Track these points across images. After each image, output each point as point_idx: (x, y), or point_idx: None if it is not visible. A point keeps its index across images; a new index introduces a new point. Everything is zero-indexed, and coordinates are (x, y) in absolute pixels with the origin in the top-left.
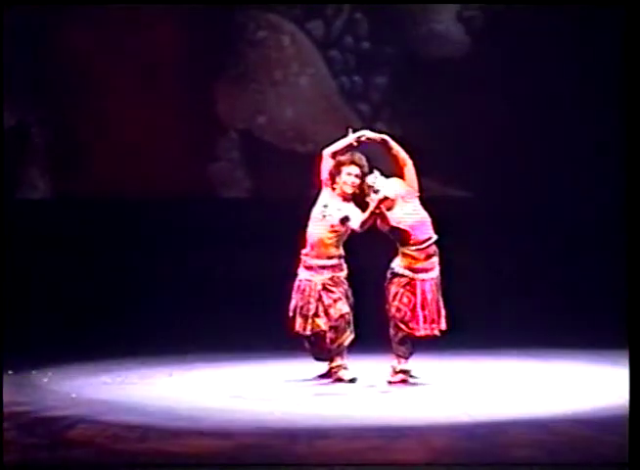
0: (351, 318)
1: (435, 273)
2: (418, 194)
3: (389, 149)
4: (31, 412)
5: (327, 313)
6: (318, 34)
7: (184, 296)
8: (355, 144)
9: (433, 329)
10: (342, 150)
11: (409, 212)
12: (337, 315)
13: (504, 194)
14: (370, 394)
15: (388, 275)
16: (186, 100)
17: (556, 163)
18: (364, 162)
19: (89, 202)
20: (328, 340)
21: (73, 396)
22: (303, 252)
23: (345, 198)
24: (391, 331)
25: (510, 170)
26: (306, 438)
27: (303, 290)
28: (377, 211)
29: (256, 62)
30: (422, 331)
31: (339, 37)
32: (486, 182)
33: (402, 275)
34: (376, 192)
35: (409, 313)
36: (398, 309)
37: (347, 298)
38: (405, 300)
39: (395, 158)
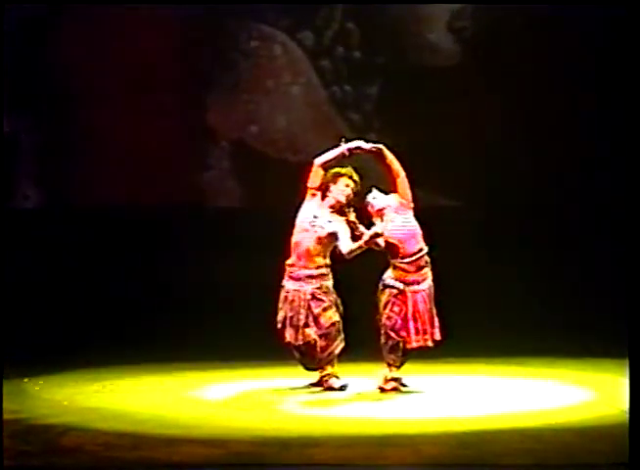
0: (341, 326)
1: (427, 284)
2: (411, 206)
3: (384, 159)
4: (23, 420)
5: (317, 322)
6: (309, 44)
7: (175, 304)
8: (347, 154)
9: (425, 340)
10: (333, 159)
11: (399, 225)
12: (327, 324)
13: (492, 203)
14: (361, 402)
15: (380, 286)
16: (177, 109)
17: (545, 171)
18: (359, 180)
19: (81, 211)
20: (319, 349)
21: (65, 403)
22: (289, 262)
23: (334, 209)
24: (382, 339)
25: (498, 180)
26: (298, 446)
27: (292, 301)
28: (366, 246)
29: (248, 71)
30: (414, 343)
31: (330, 47)
32: (475, 192)
33: (393, 286)
34: (376, 212)
35: (399, 322)
36: (389, 318)
37: (337, 306)
38: (396, 308)
39: (389, 168)
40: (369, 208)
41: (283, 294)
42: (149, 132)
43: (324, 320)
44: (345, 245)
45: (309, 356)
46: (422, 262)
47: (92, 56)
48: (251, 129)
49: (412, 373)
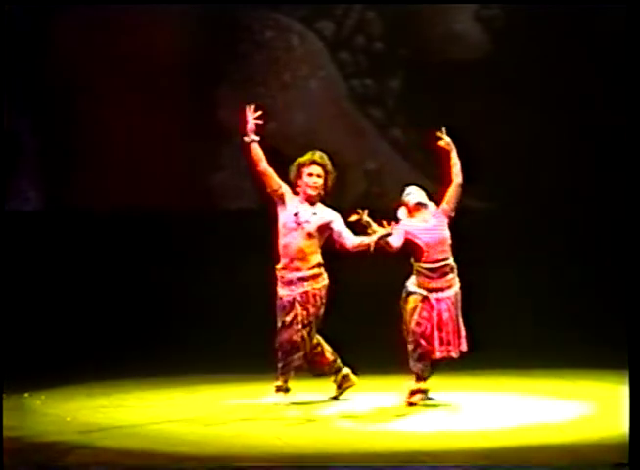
0: (305, 345)
1: (452, 291)
2: (451, 215)
3: (450, 158)
4: (24, 437)
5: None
6: (328, 34)
7: (184, 313)
8: None
9: (449, 351)
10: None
11: (429, 228)
12: (287, 337)
13: (526, 203)
14: (382, 415)
15: (403, 294)
16: (188, 106)
17: (581, 167)
18: (326, 159)
19: (83, 214)
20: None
21: (68, 419)
22: (279, 267)
23: (312, 200)
24: (409, 347)
25: (532, 178)
26: (313, 463)
27: (284, 307)
28: (375, 245)
29: (263, 64)
30: (438, 354)
31: (350, 37)
32: (508, 192)
33: (415, 293)
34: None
35: (429, 328)
36: (418, 324)
37: (309, 323)
38: (425, 314)
39: (449, 169)
40: (404, 203)
41: (278, 302)
42: (156, 131)
43: (295, 330)
44: (349, 239)
45: (284, 359)
46: (446, 269)
47: (97, 52)
48: (268, 126)
49: (438, 384)
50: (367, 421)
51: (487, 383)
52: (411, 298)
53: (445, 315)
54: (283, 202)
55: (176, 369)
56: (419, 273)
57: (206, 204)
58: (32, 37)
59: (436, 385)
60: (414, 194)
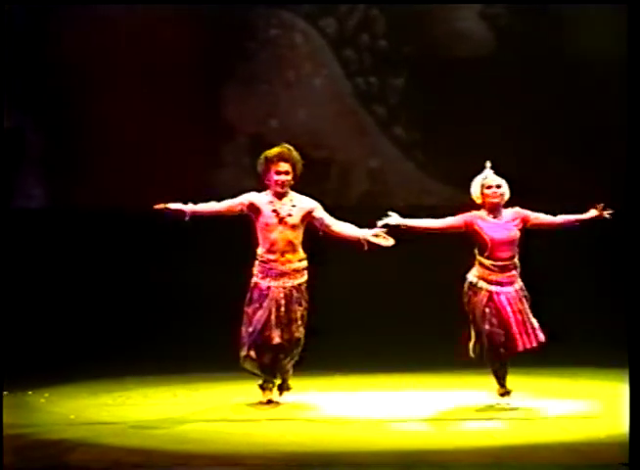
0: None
1: (514, 287)
2: (527, 225)
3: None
4: (27, 435)
5: (302, 321)
6: (332, 32)
7: (187, 312)
8: None
9: (522, 343)
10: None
11: (502, 225)
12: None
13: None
14: (386, 415)
15: (465, 288)
16: (191, 103)
17: (586, 163)
18: (293, 153)
19: (88, 211)
20: (300, 348)
21: (72, 417)
22: (271, 258)
23: (283, 194)
24: (485, 344)
25: (536, 174)
26: (318, 461)
27: (273, 298)
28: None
29: (267, 62)
30: (520, 346)
31: (354, 35)
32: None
33: (477, 287)
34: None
35: (502, 334)
36: (492, 334)
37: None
38: (495, 320)
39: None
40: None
41: (259, 292)
42: (159, 128)
43: (296, 327)
44: (335, 224)
45: (285, 357)
46: (510, 266)
47: (101, 51)
48: (271, 123)
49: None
50: (371, 420)
51: (487, 382)
52: (476, 298)
53: (507, 309)
54: (256, 208)
55: (180, 367)
56: (481, 264)
57: (213, 200)
58: (35, 35)
59: (437, 384)
60: (492, 177)
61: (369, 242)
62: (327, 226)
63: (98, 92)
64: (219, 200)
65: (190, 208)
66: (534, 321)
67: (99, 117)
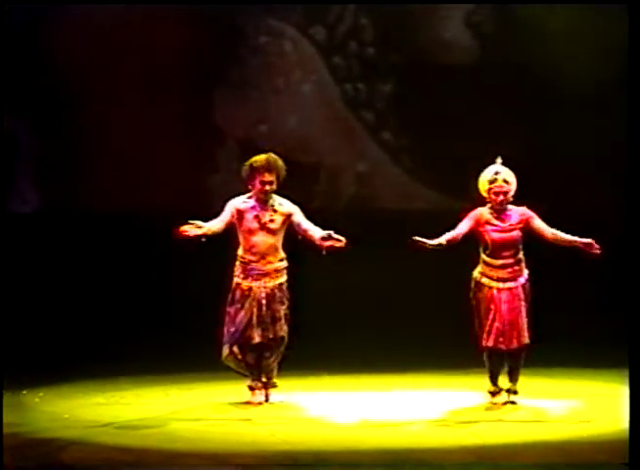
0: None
1: (519, 282)
2: (527, 226)
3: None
4: (21, 434)
5: (286, 321)
6: (321, 40)
7: (179, 312)
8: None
9: (500, 342)
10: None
11: (506, 226)
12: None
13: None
14: (377, 414)
15: (472, 285)
16: (183, 108)
17: (574, 170)
18: (278, 163)
19: (82, 215)
20: (283, 348)
21: (66, 416)
22: (253, 259)
23: (265, 200)
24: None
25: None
26: (306, 460)
27: (254, 298)
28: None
29: (257, 68)
30: (489, 342)
31: (342, 43)
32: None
33: (481, 283)
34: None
35: (502, 330)
36: (492, 329)
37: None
38: (496, 316)
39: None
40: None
41: (240, 293)
42: (152, 133)
43: (280, 326)
44: (312, 230)
45: (270, 356)
46: (512, 263)
47: (94, 55)
48: (261, 129)
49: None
50: (361, 419)
51: (485, 382)
52: (481, 295)
53: (504, 306)
54: (240, 214)
55: (172, 367)
56: (484, 261)
57: (204, 204)
58: (31, 38)
59: (430, 384)
60: (505, 173)
61: (325, 246)
62: (305, 231)
63: (91, 97)
64: (210, 204)
65: (206, 231)
66: (524, 322)
67: (93, 120)
